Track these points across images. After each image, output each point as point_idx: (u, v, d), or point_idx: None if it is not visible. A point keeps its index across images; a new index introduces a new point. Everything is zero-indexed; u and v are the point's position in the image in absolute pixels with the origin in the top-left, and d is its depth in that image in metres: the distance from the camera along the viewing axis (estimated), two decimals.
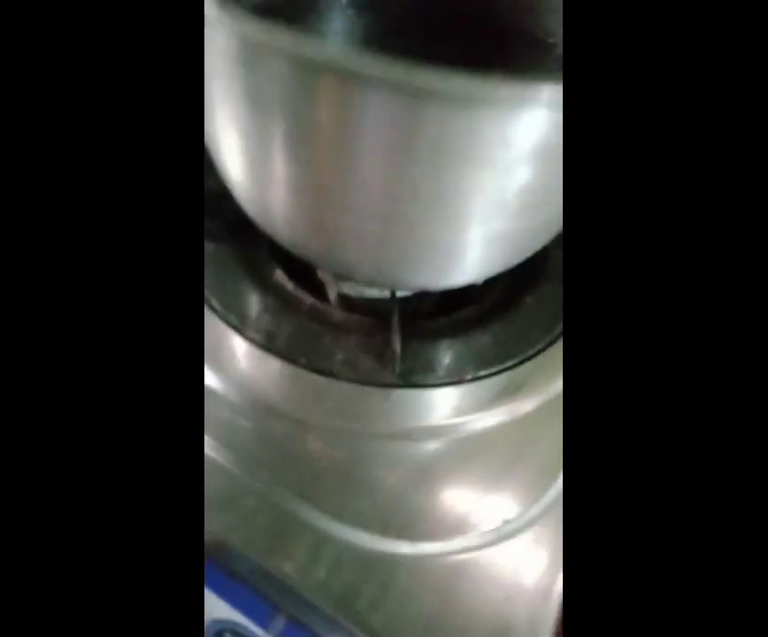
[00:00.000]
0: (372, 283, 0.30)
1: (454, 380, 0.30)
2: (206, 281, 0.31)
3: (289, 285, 0.33)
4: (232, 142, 0.24)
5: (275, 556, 0.23)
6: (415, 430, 0.28)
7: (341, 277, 0.33)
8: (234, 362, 0.29)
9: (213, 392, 0.28)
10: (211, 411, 0.27)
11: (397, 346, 0.28)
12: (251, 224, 0.35)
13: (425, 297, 0.35)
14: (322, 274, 0.35)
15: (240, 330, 0.29)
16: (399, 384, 0.29)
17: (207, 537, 0.23)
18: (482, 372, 0.30)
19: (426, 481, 0.26)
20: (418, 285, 0.29)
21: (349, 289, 0.34)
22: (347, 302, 0.33)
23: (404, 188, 0.21)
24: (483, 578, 0.24)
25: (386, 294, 0.34)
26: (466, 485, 0.27)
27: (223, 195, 0.32)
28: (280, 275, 0.33)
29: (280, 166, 0.23)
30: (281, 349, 0.29)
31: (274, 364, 0.29)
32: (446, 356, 0.30)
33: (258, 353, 0.29)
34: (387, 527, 0.25)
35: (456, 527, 0.25)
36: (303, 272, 0.34)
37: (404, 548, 0.24)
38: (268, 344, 0.29)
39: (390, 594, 0.23)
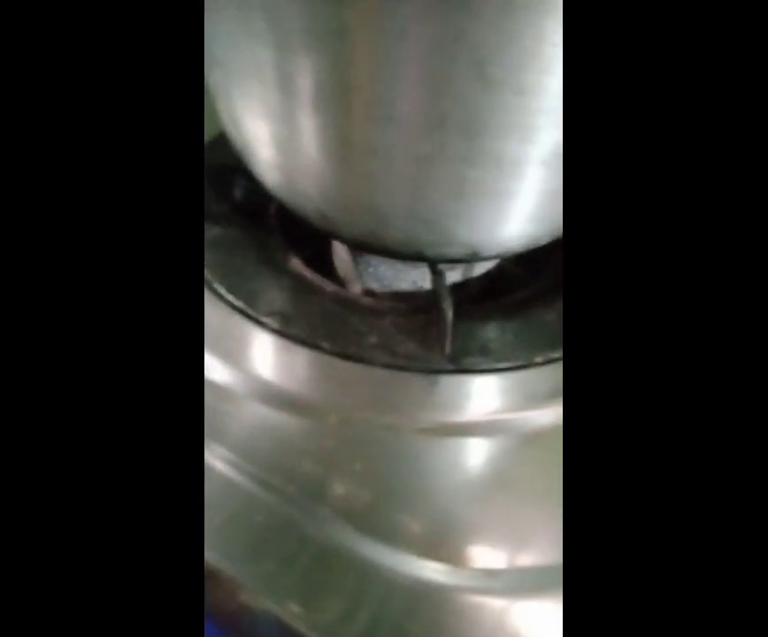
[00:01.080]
0: (405, 246, 0.24)
1: (519, 364, 0.23)
2: (212, 266, 0.26)
3: (307, 272, 0.28)
4: (253, 101, 0.20)
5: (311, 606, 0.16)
6: (469, 425, 0.21)
7: (365, 257, 0.28)
8: (245, 352, 0.23)
9: (226, 389, 0.22)
10: (223, 410, 0.21)
11: (448, 319, 0.22)
12: (263, 206, 0.31)
13: (467, 284, 0.30)
14: (342, 264, 0.30)
15: (250, 315, 0.24)
16: (449, 369, 0.23)
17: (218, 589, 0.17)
18: (555, 355, 0.24)
19: (486, 488, 0.19)
20: (456, 247, 0.24)
21: (375, 283, 0.29)
22: (372, 296, 0.28)
23: (446, 115, 0.17)
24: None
25: (419, 285, 0.29)
26: (536, 493, 0.20)
27: (232, 171, 0.28)
28: (295, 262, 0.28)
29: (307, 117, 0.19)
30: (299, 333, 0.23)
31: (291, 352, 0.23)
32: (507, 335, 0.24)
33: (272, 339, 0.23)
34: (439, 550, 0.17)
35: (520, 550, 0.18)
36: (320, 262, 0.29)
37: (459, 576, 0.17)
38: (283, 329, 0.23)
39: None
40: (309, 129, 0.19)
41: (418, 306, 0.26)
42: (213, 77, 0.22)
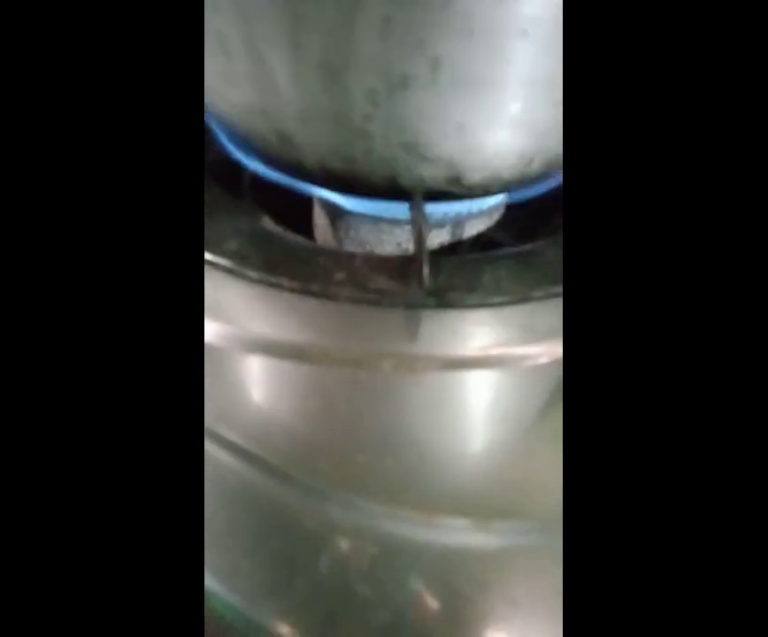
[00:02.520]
0: (377, 169, 0.21)
1: (514, 298, 0.19)
2: None
3: (276, 228, 0.25)
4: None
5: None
6: (455, 360, 0.17)
7: (345, 219, 0.25)
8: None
9: None
10: None
11: (425, 248, 0.19)
12: (236, 175, 0.29)
13: (456, 247, 0.27)
14: (321, 230, 0.28)
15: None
16: (429, 303, 0.19)
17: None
18: (557, 289, 0.20)
19: (477, 427, 0.15)
20: (435, 166, 0.20)
21: (357, 247, 0.26)
22: None
23: None
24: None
25: (404, 247, 0.26)
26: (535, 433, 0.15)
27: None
28: (266, 221, 0.25)
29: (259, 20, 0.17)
30: (255, 272, 0.20)
31: (246, 291, 0.20)
32: (499, 271, 0.21)
33: (226, 279, 0.20)
34: (411, 497, 0.13)
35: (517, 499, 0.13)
36: (297, 229, 0.26)
37: (448, 529, 0.12)
38: (238, 268, 0.20)
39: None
40: (253, 17, 0.17)
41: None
42: None
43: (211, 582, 0.12)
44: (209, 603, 0.12)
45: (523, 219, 0.30)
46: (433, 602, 0.12)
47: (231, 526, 0.12)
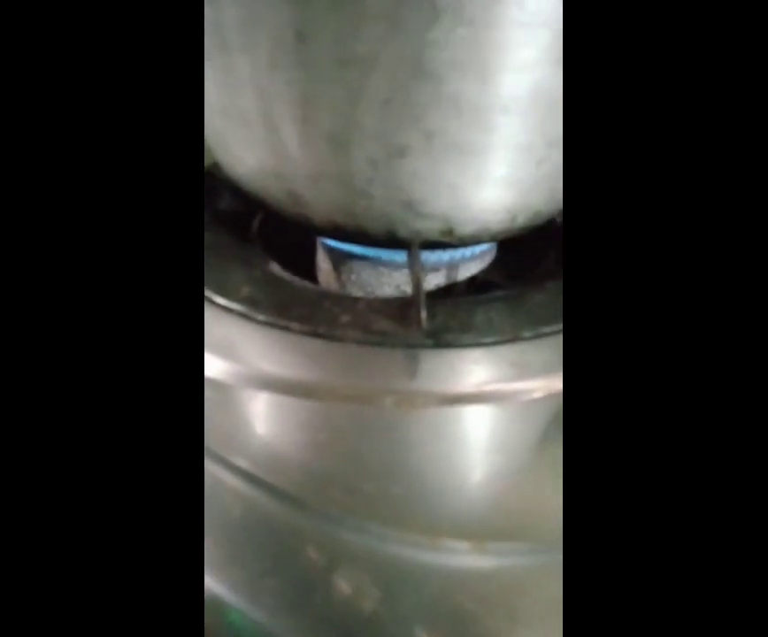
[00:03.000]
0: (377, 222, 0.23)
1: (506, 338, 0.21)
2: None
3: (285, 274, 0.27)
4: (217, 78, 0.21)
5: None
6: (453, 396, 0.19)
7: (347, 264, 0.27)
8: (210, 337, 0.22)
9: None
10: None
11: (422, 293, 0.21)
12: (246, 221, 0.31)
13: (451, 289, 0.29)
14: (324, 274, 0.30)
15: (215, 302, 0.23)
16: (427, 344, 0.21)
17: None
18: (545, 330, 0.22)
19: (473, 458, 0.17)
20: (430, 220, 0.22)
21: (358, 291, 0.28)
22: None
23: (399, 55, 0.17)
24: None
25: (402, 289, 0.28)
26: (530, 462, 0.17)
27: (217, 187, 0.28)
28: (274, 266, 0.28)
29: (267, 79, 0.19)
30: (266, 316, 0.22)
31: (258, 334, 0.21)
32: (491, 313, 0.22)
33: (239, 323, 0.22)
34: (418, 523, 0.15)
35: (517, 522, 0.15)
36: (302, 273, 0.28)
37: (453, 553, 0.14)
38: (250, 313, 0.22)
39: None
40: (270, 95, 0.19)
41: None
42: None
43: (231, 597, 0.13)
44: (229, 617, 0.13)
45: (514, 262, 0.32)
46: (440, 620, 0.13)
47: (252, 548, 0.14)
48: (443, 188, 0.21)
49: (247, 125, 0.21)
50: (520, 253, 0.34)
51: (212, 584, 0.14)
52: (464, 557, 0.13)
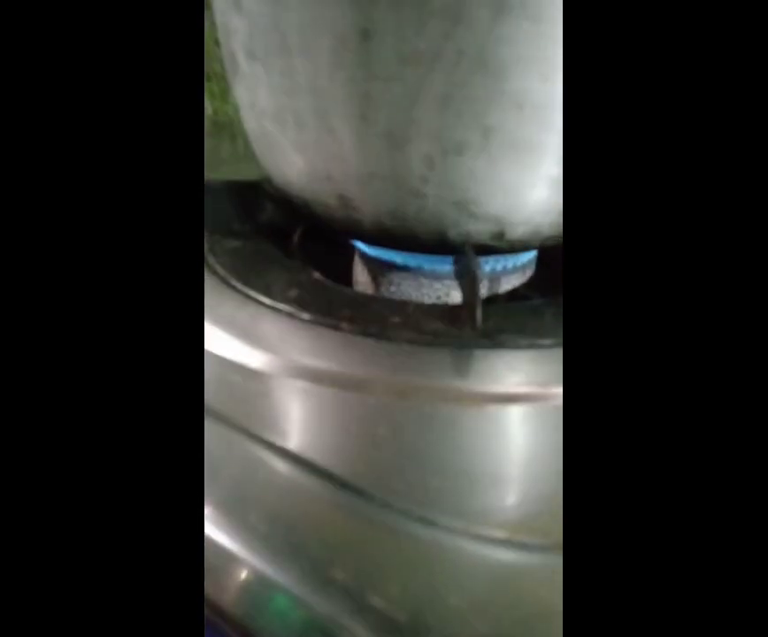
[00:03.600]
0: (428, 225, 0.23)
1: (559, 342, 0.21)
2: (229, 267, 0.25)
3: (330, 282, 0.27)
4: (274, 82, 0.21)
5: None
6: (508, 395, 0.18)
7: (387, 275, 0.27)
8: (257, 333, 0.21)
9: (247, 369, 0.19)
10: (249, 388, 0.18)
11: (479, 291, 0.21)
12: (287, 233, 0.31)
13: (493, 300, 0.28)
14: (363, 286, 0.29)
15: (264, 303, 0.22)
16: (482, 344, 0.20)
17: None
18: None
19: (530, 458, 0.16)
20: (481, 221, 0.22)
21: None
22: None
23: (461, 50, 0.17)
24: None
25: (443, 300, 0.27)
26: None
27: (257, 190, 0.28)
28: (317, 275, 0.27)
29: (324, 79, 0.20)
30: (315, 316, 0.21)
31: (308, 331, 0.21)
32: (543, 317, 0.22)
33: (288, 321, 0.21)
34: (488, 520, 0.13)
35: None
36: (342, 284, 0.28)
37: (513, 550, 0.13)
38: (298, 312, 0.22)
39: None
40: (328, 95, 0.20)
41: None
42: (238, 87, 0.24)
43: (286, 583, 0.12)
44: (275, 604, 0.12)
45: (552, 278, 0.32)
46: (491, 612, 0.12)
47: (314, 537, 0.13)
48: (498, 187, 0.20)
49: (301, 127, 0.21)
50: (558, 270, 0.33)
51: (266, 569, 0.13)
52: (500, 549, 0.12)
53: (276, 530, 0.13)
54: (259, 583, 0.13)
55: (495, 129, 0.19)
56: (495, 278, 0.29)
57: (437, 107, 0.19)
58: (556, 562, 0.13)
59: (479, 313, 0.20)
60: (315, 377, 0.18)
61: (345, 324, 0.21)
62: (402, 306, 0.22)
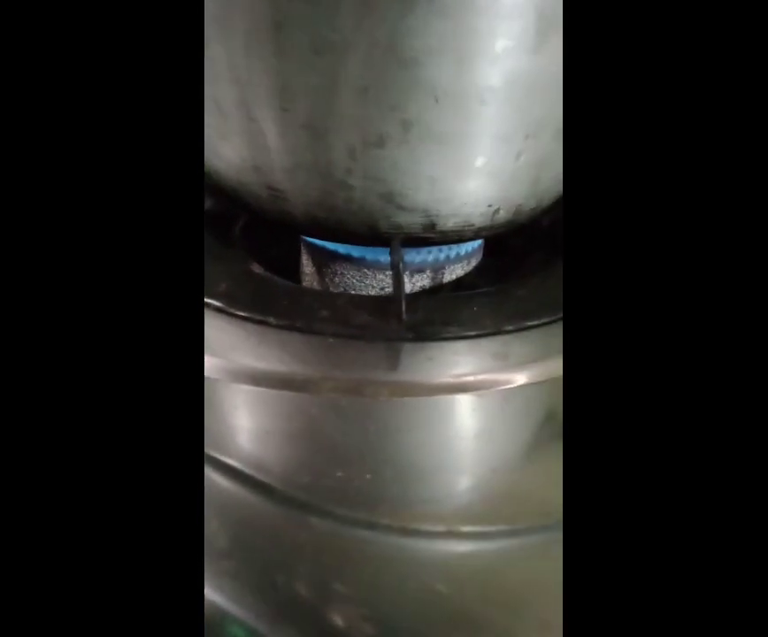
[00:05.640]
0: (357, 216, 0.23)
1: (487, 332, 0.21)
2: None
3: (264, 272, 0.26)
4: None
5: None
6: (434, 386, 0.18)
7: (331, 266, 0.27)
8: None
9: None
10: None
11: (403, 286, 0.21)
12: (228, 224, 0.31)
13: (435, 291, 0.29)
14: (308, 277, 0.29)
15: None
16: (408, 337, 0.20)
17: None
18: (528, 323, 0.21)
19: (458, 447, 0.16)
20: (411, 214, 0.22)
21: (339, 290, 0.28)
22: None
23: (374, 41, 0.17)
24: None
25: (386, 291, 0.27)
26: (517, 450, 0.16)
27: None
28: (256, 266, 0.27)
29: (242, 67, 0.19)
30: (244, 310, 0.21)
31: (236, 327, 0.21)
32: (473, 307, 0.22)
33: (216, 317, 0.21)
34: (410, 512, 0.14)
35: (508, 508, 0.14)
36: (285, 275, 0.28)
37: (447, 540, 0.13)
38: (227, 307, 0.22)
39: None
40: (247, 84, 0.19)
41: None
42: None
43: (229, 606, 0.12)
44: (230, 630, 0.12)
45: (499, 266, 0.32)
46: (411, 602, 0.12)
47: (232, 545, 0.13)
48: (423, 179, 0.20)
49: (225, 117, 0.21)
50: (505, 257, 0.34)
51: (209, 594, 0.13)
52: (438, 541, 0.13)
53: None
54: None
55: (413, 121, 0.19)
56: (438, 268, 0.29)
57: (355, 99, 0.18)
58: (495, 547, 0.13)
59: (404, 307, 0.20)
60: (234, 374, 0.18)
61: (272, 318, 0.21)
62: (333, 299, 0.22)
